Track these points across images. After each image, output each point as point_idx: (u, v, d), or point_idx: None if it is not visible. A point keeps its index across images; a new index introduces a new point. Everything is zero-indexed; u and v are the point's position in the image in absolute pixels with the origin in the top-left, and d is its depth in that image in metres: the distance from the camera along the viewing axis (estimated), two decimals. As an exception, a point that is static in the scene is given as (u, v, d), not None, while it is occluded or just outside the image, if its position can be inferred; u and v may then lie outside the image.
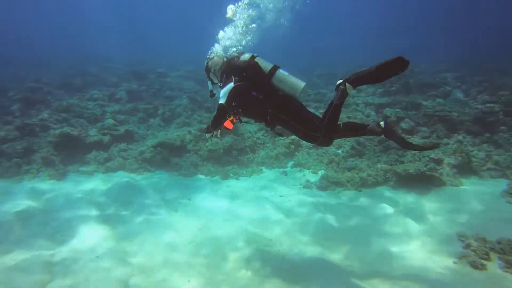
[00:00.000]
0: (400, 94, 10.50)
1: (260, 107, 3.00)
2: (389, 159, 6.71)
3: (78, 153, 7.43)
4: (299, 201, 5.43)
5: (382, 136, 2.89)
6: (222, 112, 3.04)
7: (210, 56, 3.43)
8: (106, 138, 7.77)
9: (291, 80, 2.99)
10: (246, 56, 3.15)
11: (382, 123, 2.89)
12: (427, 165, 5.99)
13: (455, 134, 7.50)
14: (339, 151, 7.52)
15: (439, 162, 6.31)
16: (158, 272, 3.54)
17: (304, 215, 4.92)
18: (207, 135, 3.30)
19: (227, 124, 3.20)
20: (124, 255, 3.86)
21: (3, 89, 10.68)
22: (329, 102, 2.89)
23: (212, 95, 3.39)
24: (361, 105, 9.78)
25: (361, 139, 7.73)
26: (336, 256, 3.83)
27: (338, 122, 2.93)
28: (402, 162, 6.40)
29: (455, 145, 6.93)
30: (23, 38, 32.48)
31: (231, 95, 3.00)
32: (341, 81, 2.80)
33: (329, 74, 15.17)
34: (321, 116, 2.98)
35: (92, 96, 10.41)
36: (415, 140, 7.29)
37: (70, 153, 7.36)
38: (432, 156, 6.48)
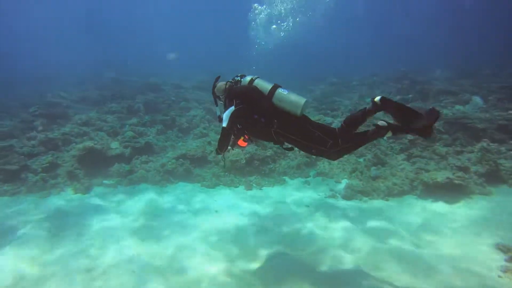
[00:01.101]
0: (417, 102, 10.44)
1: (263, 129, 3.07)
2: (414, 167, 6.63)
3: (101, 166, 7.53)
4: (326, 211, 5.38)
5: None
6: (225, 135, 3.16)
7: (215, 83, 3.53)
8: (128, 151, 7.86)
9: (290, 98, 3.03)
10: (246, 80, 3.25)
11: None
12: (455, 173, 5.89)
13: (479, 142, 7.37)
14: (361, 160, 7.46)
15: (465, 170, 6.21)
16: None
17: (333, 225, 4.86)
18: (220, 156, 3.41)
19: (241, 143, 3.33)
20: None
21: (25, 104, 10.96)
22: (363, 133, 2.97)
23: (220, 120, 3.43)
24: (379, 113, 9.72)
25: (383, 147, 7.69)
26: (369, 267, 3.76)
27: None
28: (428, 170, 6.32)
29: (479, 153, 6.82)
30: (37, 51, 33.28)
31: (232, 118, 3.10)
32: (384, 124, 2.89)
33: (341, 83, 15.17)
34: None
35: (111, 109, 10.59)
36: (439, 148, 7.19)
37: (93, 166, 7.46)
38: (458, 164, 6.40)
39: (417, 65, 17.05)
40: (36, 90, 14.07)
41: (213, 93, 3.52)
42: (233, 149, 3.42)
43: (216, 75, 3.60)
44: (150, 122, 9.86)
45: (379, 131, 2.89)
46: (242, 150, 2.99)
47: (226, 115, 3.12)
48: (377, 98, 2.88)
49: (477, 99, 9.70)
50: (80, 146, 7.42)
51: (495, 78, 12.10)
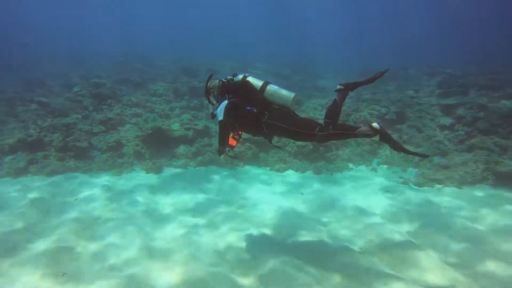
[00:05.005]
0: (458, 95, 10.60)
1: (255, 119, 3.24)
2: (477, 158, 6.85)
3: (164, 147, 7.61)
4: (406, 198, 5.55)
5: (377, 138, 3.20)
6: (224, 128, 3.31)
7: (208, 81, 3.66)
8: (190, 133, 7.93)
9: (281, 92, 3.29)
10: (239, 77, 3.45)
11: (375, 124, 3.18)
12: (526, 164, 6.13)
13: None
14: (420, 149, 7.65)
15: (530, 162, 6.44)
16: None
17: (420, 209, 5.06)
18: (222, 157, 3.49)
19: (231, 141, 3.45)
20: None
21: (68, 84, 10.88)
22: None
23: (213, 116, 3.57)
24: (425, 105, 9.93)
25: (441, 138, 7.89)
26: (450, 254, 3.89)
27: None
28: (494, 162, 6.54)
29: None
30: (62, 35, 32.69)
31: (227, 111, 3.28)
32: (341, 86, 3.27)
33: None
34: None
35: (157, 92, 10.59)
36: (500, 141, 7.38)
37: (158, 147, 7.54)
38: (522, 156, 6.64)
39: (444, 60, 17.29)
40: (69, 70, 13.92)
41: (206, 90, 3.67)
42: (232, 150, 3.47)
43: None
44: (200, 106, 9.90)
45: (370, 131, 3.16)
46: (232, 149, 3.07)
47: (220, 109, 3.30)
48: (375, 124, 3.20)
49: (521, 95, 9.91)
50: (149, 125, 7.48)
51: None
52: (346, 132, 3.22)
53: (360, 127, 3.18)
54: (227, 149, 3.39)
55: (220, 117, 3.27)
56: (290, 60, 19.33)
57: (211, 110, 3.68)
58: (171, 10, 50.95)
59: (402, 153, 3.31)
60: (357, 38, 36.16)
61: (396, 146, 3.24)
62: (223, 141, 3.36)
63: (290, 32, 41.50)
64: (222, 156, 3.44)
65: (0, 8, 39.36)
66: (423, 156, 3.38)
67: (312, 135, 3.11)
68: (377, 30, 41.76)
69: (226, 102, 3.30)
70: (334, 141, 7.58)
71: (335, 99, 3.29)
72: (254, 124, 3.28)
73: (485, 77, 12.32)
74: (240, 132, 3.49)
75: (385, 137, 3.17)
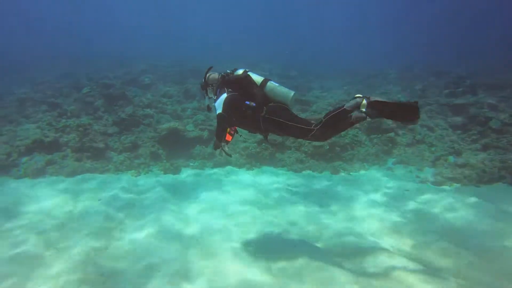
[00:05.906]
0: (467, 95, 10.70)
1: (253, 113, 3.22)
2: (492, 157, 6.91)
3: (180, 147, 7.61)
4: (429, 198, 5.58)
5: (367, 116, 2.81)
6: (222, 121, 3.25)
7: (207, 73, 3.66)
8: (205, 134, 7.94)
9: (281, 89, 3.31)
10: (239, 72, 3.43)
11: (357, 95, 2.89)
12: (542, 162, 6.20)
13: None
14: (433, 149, 7.72)
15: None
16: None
17: (444, 209, 5.10)
18: (217, 152, 3.40)
19: (227, 137, 3.36)
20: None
21: (76, 85, 10.84)
22: (340, 106, 2.95)
23: (209, 109, 3.59)
24: (434, 105, 10.01)
25: (454, 137, 7.96)
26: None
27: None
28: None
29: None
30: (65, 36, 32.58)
31: (226, 104, 3.25)
32: (360, 95, 2.87)
33: (377, 75, 15.38)
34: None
35: (167, 93, 10.57)
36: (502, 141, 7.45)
37: (173, 147, 7.54)
38: (538, 154, 6.72)
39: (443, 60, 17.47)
40: (74, 70, 13.86)
41: (205, 82, 3.65)
42: (227, 145, 3.37)
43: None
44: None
45: (357, 100, 2.85)
46: (227, 144, 3.01)
47: (219, 102, 3.28)
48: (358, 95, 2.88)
49: (529, 95, 10.03)
50: (164, 126, 7.47)
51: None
52: (337, 113, 2.94)
53: (345, 103, 2.96)
54: (223, 144, 3.32)
55: (219, 110, 3.25)
56: (295, 61, 19.41)
57: (207, 103, 3.68)
58: (172, 10, 50.95)
59: (391, 119, 2.85)
60: (358, 38, 36.39)
61: (385, 111, 2.75)
62: (221, 134, 3.28)
63: (294, 32, 41.63)
64: (218, 151, 3.37)
65: (4, 10, 39.24)
66: (413, 105, 2.66)
67: (310, 130, 3.06)
68: (377, 30, 42.02)
69: (225, 95, 3.28)
70: (346, 140, 7.63)
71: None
72: (252, 119, 3.26)
73: (491, 77, 12.48)
74: (235, 128, 3.46)
75: (370, 101, 2.79)
